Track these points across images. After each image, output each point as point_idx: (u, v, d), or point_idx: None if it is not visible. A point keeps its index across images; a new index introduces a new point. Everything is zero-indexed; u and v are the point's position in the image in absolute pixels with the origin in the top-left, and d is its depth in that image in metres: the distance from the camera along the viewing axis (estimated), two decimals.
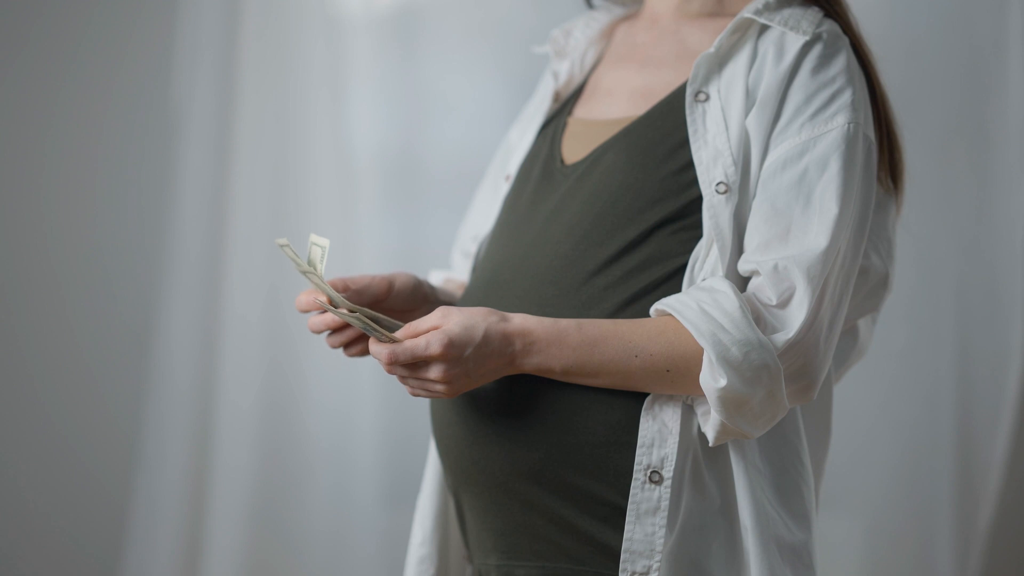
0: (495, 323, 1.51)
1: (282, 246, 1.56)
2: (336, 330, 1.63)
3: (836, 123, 1.55)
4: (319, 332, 1.62)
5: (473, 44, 2.90)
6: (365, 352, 1.64)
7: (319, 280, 1.54)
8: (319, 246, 1.54)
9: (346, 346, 1.65)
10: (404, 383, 1.53)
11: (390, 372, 1.50)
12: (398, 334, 1.50)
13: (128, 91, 2.88)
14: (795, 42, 1.60)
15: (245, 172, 2.79)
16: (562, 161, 1.72)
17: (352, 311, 1.51)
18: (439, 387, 1.50)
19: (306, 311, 1.60)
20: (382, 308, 1.70)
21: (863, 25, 1.69)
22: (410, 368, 1.50)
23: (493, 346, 1.50)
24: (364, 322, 1.49)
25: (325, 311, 1.58)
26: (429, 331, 1.49)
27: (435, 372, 1.49)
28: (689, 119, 1.61)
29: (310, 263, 1.55)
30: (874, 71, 1.65)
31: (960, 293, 2.61)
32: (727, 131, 1.59)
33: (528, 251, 1.65)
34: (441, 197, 2.86)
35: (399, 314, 1.72)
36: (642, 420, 1.54)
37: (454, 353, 1.48)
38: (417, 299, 1.75)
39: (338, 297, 1.53)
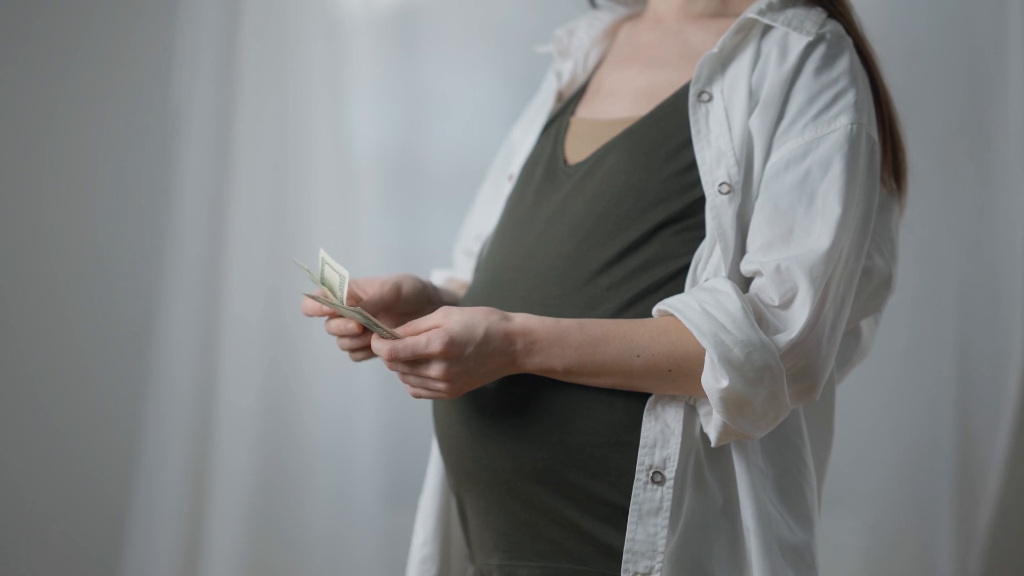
0: (496, 322, 1.51)
1: (304, 269, 1.57)
2: (348, 335, 1.62)
3: (839, 124, 1.55)
4: (337, 335, 1.61)
5: (473, 44, 2.90)
6: (370, 356, 1.64)
7: (332, 299, 1.55)
8: (338, 273, 1.54)
9: (353, 350, 1.64)
10: (405, 382, 1.53)
11: (391, 368, 1.51)
12: (399, 331, 1.50)
13: (128, 91, 2.88)
14: (798, 42, 1.59)
15: (245, 172, 2.79)
16: (565, 161, 1.72)
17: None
18: (440, 385, 1.50)
19: (311, 315, 1.60)
20: (391, 313, 1.70)
21: (863, 25, 1.69)
22: (411, 365, 1.50)
23: (494, 345, 1.50)
24: (367, 318, 1.50)
25: (333, 316, 1.59)
26: (430, 329, 1.49)
27: (436, 370, 1.49)
28: (692, 119, 1.61)
29: (325, 283, 1.56)
30: (877, 71, 1.65)
31: (961, 294, 2.61)
32: (730, 131, 1.59)
33: (531, 251, 1.65)
34: (441, 197, 2.86)
35: (406, 317, 1.72)
36: (644, 420, 1.54)
37: (455, 351, 1.48)
38: (422, 301, 1.75)
39: (341, 308, 1.53)
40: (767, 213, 1.54)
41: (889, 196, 1.69)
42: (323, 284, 1.57)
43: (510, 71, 2.86)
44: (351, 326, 1.58)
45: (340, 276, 1.54)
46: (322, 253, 1.56)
